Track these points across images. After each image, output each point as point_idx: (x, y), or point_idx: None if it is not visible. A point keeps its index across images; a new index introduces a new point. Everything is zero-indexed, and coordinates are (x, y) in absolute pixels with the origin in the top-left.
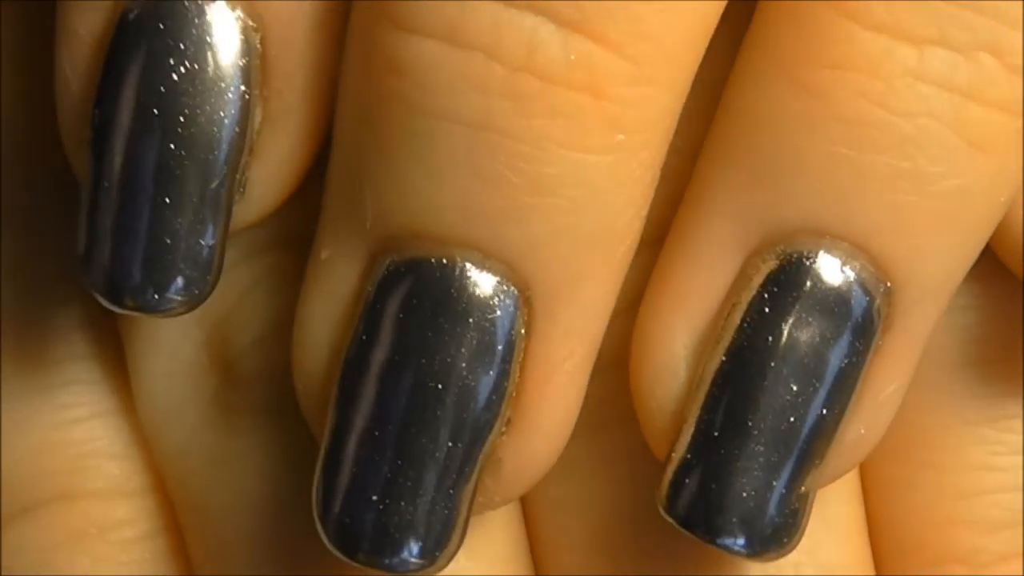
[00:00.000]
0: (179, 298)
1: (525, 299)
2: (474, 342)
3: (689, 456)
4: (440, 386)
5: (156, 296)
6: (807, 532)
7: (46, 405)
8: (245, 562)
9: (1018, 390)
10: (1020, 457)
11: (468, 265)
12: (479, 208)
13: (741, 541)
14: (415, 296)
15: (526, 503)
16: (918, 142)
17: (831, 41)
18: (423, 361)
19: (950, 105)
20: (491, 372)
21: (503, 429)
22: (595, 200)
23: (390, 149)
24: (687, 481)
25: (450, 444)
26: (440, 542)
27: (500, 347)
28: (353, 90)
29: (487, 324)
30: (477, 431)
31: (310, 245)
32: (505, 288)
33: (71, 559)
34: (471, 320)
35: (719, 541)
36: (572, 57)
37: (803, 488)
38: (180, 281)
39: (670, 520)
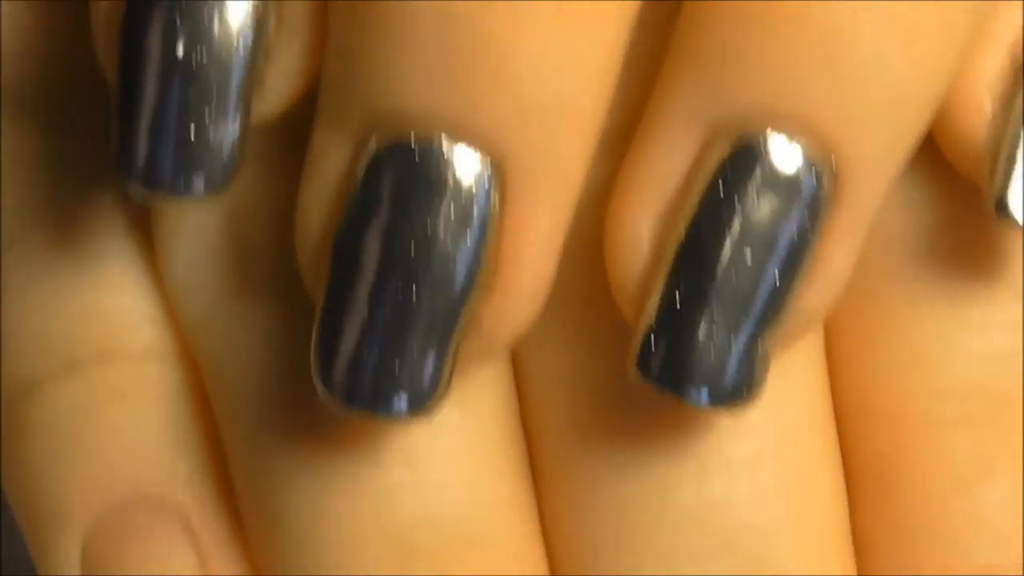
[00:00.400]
0: (205, 186)
1: (499, 171)
2: (453, 211)
3: (654, 323)
4: (423, 253)
5: (185, 185)
6: (770, 395)
7: (88, 274)
8: (256, 419)
9: (969, 276)
10: (971, 332)
11: (446, 140)
12: (454, 85)
13: (705, 395)
14: (398, 172)
15: (515, 372)
16: (854, 29)
17: None
18: (407, 230)
19: None
20: (469, 239)
21: (482, 293)
22: (558, 78)
23: (372, 37)
24: (654, 345)
25: (434, 305)
26: (428, 393)
27: (477, 215)
28: None
29: (465, 194)
30: (457, 293)
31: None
32: (481, 160)
33: (110, 412)
34: (450, 191)
35: (685, 396)
36: None
37: (760, 348)
38: (205, 171)
39: (640, 379)
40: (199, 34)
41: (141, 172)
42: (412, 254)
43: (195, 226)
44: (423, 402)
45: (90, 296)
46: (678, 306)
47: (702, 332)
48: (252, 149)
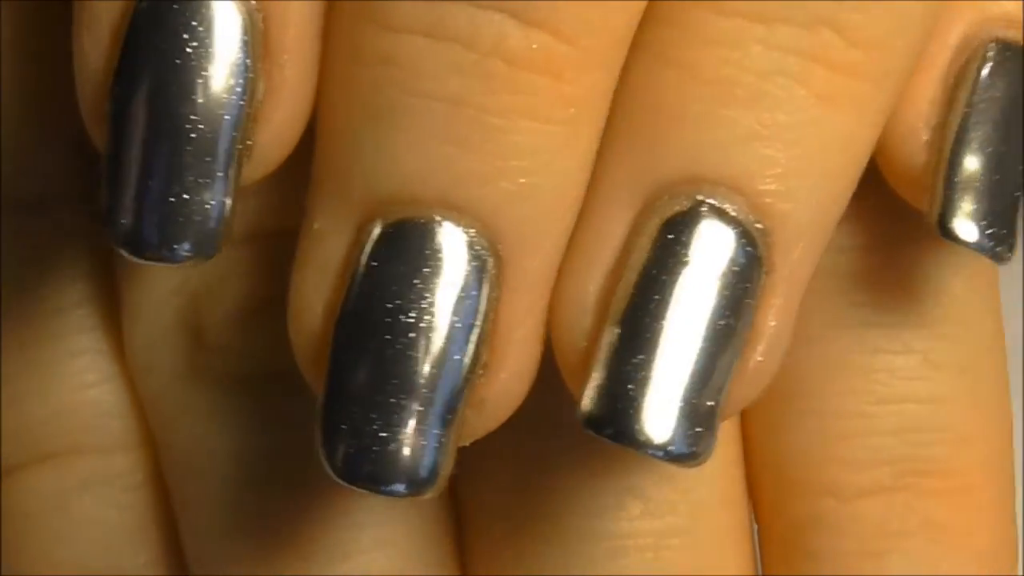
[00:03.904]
0: (192, 252)
1: (495, 253)
2: (454, 293)
3: (602, 381)
4: (427, 334)
5: (173, 249)
6: (683, 472)
7: (58, 373)
8: (205, 506)
9: (892, 335)
10: (890, 405)
11: (448, 224)
12: (456, 172)
13: (658, 452)
14: (401, 255)
15: None
16: (774, 95)
17: (696, 26)
18: (411, 313)
19: (798, 65)
20: (470, 320)
21: (481, 371)
22: (553, 163)
23: (380, 126)
24: (605, 400)
25: (437, 384)
26: (431, 472)
27: (477, 297)
28: (342, 77)
29: (465, 277)
30: (459, 373)
31: (279, 238)
32: (479, 243)
33: (81, 499)
34: (451, 274)
35: (640, 449)
36: (534, 46)
37: (712, 402)
38: (194, 235)
39: (588, 431)
40: (187, 98)
41: (127, 237)
42: (417, 336)
43: (152, 309)
44: (430, 478)
45: (60, 394)
46: (625, 366)
47: (650, 390)
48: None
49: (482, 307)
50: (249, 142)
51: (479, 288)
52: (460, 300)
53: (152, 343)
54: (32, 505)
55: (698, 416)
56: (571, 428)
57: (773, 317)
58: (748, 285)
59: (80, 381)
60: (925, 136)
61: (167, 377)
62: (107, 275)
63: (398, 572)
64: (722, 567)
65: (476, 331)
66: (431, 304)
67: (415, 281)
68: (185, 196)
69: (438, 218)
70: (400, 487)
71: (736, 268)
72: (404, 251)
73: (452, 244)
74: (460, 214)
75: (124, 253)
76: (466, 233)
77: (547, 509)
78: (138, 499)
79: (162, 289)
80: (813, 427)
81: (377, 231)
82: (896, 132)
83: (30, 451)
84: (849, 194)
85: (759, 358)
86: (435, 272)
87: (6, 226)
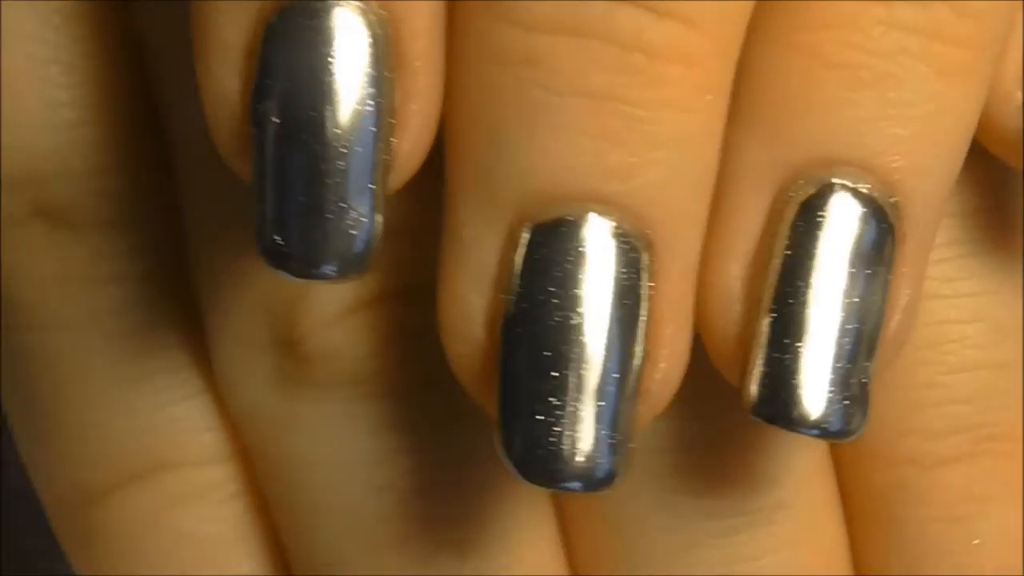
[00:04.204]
0: (347, 267)
1: (647, 244)
2: (616, 288)
3: (763, 369)
4: (595, 332)
5: (329, 266)
6: (786, 447)
7: (146, 391)
8: (308, 518)
9: (960, 305)
10: (962, 374)
11: (603, 218)
12: (608, 165)
13: (815, 430)
14: (559, 254)
15: None
16: (898, 75)
17: (815, 9)
18: (577, 309)
19: (918, 43)
20: (634, 313)
21: (646, 360)
22: (696, 151)
23: (527, 126)
24: (768, 389)
25: (615, 377)
26: (616, 465)
27: (638, 289)
28: (479, 78)
29: (625, 270)
30: (631, 366)
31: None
32: (633, 234)
33: (175, 517)
34: (610, 268)
35: (800, 430)
36: (670, 37)
37: (863, 377)
38: (346, 252)
39: (757, 419)
40: (331, 114)
41: (282, 257)
42: (586, 335)
43: (240, 325)
44: (614, 473)
45: (146, 413)
46: (783, 347)
47: (808, 371)
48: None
49: (643, 299)
50: (389, 154)
51: (639, 280)
52: (623, 294)
53: (241, 356)
54: (128, 525)
55: (851, 392)
56: (682, 406)
57: (906, 287)
58: (884, 259)
59: (166, 398)
60: (1019, 98)
61: (259, 389)
62: (184, 292)
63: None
64: (822, 537)
65: (641, 323)
66: (596, 301)
67: (578, 279)
68: (336, 212)
69: (593, 213)
70: (598, 480)
71: (873, 244)
72: (562, 250)
73: (608, 238)
74: (613, 207)
75: (279, 273)
76: (620, 226)
77: (660, 490)
78: (235, 510)
79: (248, 302)
80: (888, 399)
81: (531, 232)
82: (993, 97)
83: (121, 471)
84: (962, 160)
85: (895, 328)
86: (595, 268)
87: (86, 247)
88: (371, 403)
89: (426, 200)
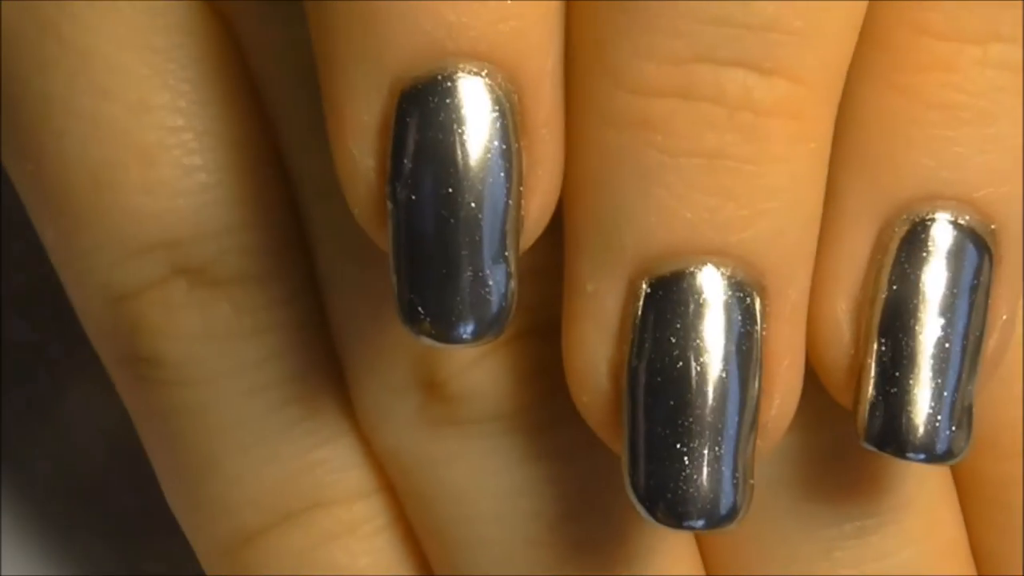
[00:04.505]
0: (488, 330)
1: (760, 290)
2: (734, 335)
3: (875, 399)
4: (716, 378)
5: (471, 331)
6: None
7: (293, 436)
8: (461, 547)
9: None
10: None
11: (720, 269)
12: (721, 220)
13: (922, 455)
14: (679, 305)
15: None
16: (993, 112)
17: (913, 52)
18: (700, 358)
19: (1011, 80)
20: (751, 357)
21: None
22: (802, 196)
23: (644, 185)
24: (881, 419)
25: (730, 423)
26: (739, 501)
27: (754, 334)
28: (596, 141)
29: (741, 318)
30: (750, 409)
31: None
32: (747, 282)
33: (328, 552)
34: (728, 317)
35: (909, 458)
36: (776, 94)
37: (967, 400)
38: (487, 316)
39: (870, 447)
40: (466, 185)
41: (423, 326)
42: (708, 382)
43: (383, 368)
44: (737, 508)
45: (292, 457)
46: (891, 378)
47: (916, 398)
48: None
49: (758, 342)
50: (519, 219)
51: (754, 325)
52: (740, 340)
53: (385, 399)
54: (284, 562)
55: (959, 417)
56: (807, 418)
57: (1003, 306)
58: (985, 284)
59: (312, 441)
60: None
61: (405, 429)
62: (321, 338)
63: None
64: (944, 530)
65: (757, 366)
66: (715, 348)
67: (698, 328)
68: (472, 280)
69: (709, 265)
70: (719, 519)
71: (975, 272)
72: (681, 301)
73: (725, 288)
74: (728, 258)
75: (420, 339)
76: (735, 275)
77: (794, 499)
78: (385, 541)
79: (390, 347)
80: (994, 393)
81: (650, 284)
82: None
83: (274, 513)
84: None
85: (993, 348)
86: (713, 317)
87: (228, 302)
88: (515, 436)
89: (554, 240)
